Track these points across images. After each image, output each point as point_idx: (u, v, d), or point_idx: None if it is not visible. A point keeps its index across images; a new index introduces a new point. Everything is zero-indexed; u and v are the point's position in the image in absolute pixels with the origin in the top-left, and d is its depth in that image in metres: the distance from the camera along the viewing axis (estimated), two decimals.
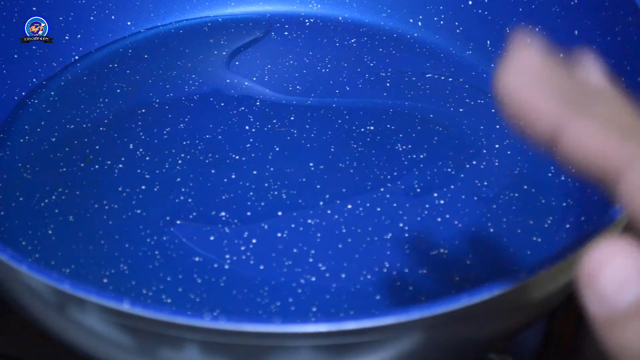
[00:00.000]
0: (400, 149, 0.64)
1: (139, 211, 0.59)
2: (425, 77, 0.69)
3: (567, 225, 0.58)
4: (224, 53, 0.71)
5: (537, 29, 0.66)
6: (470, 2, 0.70)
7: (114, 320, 0.43)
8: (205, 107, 0.66)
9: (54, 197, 0.60)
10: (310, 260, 0.57)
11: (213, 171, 0.62)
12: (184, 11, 0.74)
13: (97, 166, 0.62)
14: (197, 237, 0.58)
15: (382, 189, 0.61)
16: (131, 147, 0.63)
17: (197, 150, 0.63)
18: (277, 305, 0.54)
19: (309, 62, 0.70)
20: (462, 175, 0.62)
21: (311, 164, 0.62)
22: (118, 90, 0.68)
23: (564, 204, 0.60)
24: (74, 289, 0.43)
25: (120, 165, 0.62)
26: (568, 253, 0.45)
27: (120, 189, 0.60)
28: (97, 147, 0.63)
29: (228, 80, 0.69)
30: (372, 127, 0.65)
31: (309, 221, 0.59)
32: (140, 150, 0.63)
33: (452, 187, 0.61)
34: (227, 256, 0.57)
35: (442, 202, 0.60)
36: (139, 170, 0.62)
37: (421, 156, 0.63)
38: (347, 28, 0.72)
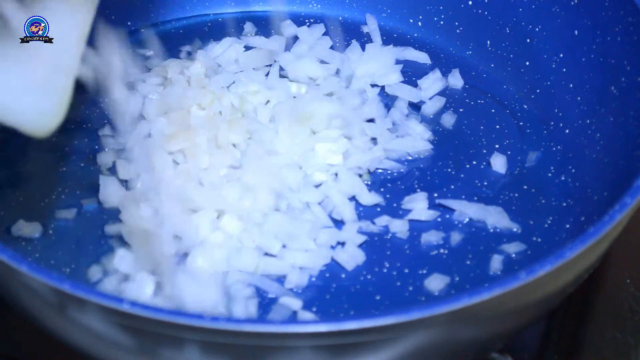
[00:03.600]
0: None
1: None
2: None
3: (567, 225, 0.58)
4: None
5: (537, 29, 0.66)
6: (470, 2, 0.70)
7: (114, 320, 0.43)
8: None
9: (54, 197, 0.60)
10: None
11: None
12: (184, 10, 0.73)
13: (97, 166, 0.62)
14: None
15: (382, 189, 0.61)
16: None
17: None
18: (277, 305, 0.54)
19: None
20: (462, 175, 0.62)
21: None
22: None
23: (564, 204, 0.60)
24: (74, 289, 0.43)
25: None
26: (568, 253, 0.45)
27: None
28: (97, 147, 0.63)
29: None
30: None
31: None
32: None
33: (452, 187, 0.61)
34: None
35: (442, 202, 0.60)
36: None
37: (421, 156, 0.63)
38: (347, 28, 0.72)
